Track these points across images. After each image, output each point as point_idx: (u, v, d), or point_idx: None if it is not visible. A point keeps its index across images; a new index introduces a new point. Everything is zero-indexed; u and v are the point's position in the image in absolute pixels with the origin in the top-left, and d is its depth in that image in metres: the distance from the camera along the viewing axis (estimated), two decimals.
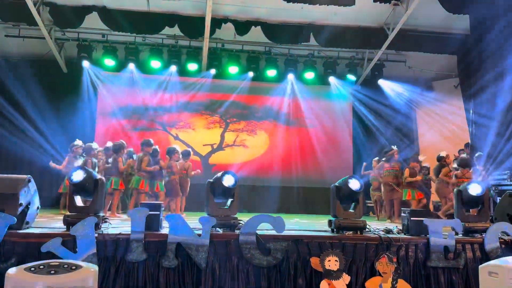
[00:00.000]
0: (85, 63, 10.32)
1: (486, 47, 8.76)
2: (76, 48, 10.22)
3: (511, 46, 8.11)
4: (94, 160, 7.46)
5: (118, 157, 7.34)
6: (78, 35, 10.09)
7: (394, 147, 8.53)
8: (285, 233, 4.04)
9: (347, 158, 11.50)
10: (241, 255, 3.89)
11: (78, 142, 7.71)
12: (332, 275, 3.95)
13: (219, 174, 4.38)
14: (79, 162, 7.30)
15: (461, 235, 4.47)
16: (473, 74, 9.27)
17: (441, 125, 11.22)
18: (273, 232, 4.02)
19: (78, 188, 4.13)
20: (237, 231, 4.07)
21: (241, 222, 4.18)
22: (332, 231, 4.43)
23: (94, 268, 2.74)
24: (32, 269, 2.57)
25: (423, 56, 10.43)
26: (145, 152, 7.48)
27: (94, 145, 7.82)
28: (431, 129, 11.58)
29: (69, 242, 3.68)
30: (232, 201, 4.39)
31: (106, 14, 9.04)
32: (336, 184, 4.53)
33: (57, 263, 2.66)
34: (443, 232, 4.18)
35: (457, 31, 9.57)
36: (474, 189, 4.62)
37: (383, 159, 8.41)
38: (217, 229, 4.13)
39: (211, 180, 4.44)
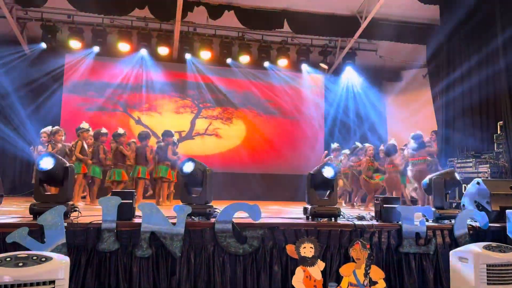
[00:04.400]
0: (43, 45, 9.84)
1: (454, 38, 8.98)
2: (40, 28, 9.73)
3: (479, 37, 8.35)
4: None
5: (145, 145, 7.45)
6: (42, 15, 9.60)
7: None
8: (261, 220, 4.01)
9: (319, 146, 11.55)
10: (217, 243, 3.84)
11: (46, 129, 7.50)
12: (307, 261, 3.97)
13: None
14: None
15: (431, 221, 4.60)
16: (441, 64, 9.50)
17: (409, 114, 11.48)
18: (249, 220, 3.99)
19: (47, 176, 3.94)
20: (212, 220, 4.01)
21: (216, 210, 4.12)
22: (307, 218, 4.44)
23: (65, 259, 2.62)
24: None
25: (393, 46, 10.58)
26: (167, 142, 7.54)
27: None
28: (399, 117, 11.83)
29: (36, 232, 3.51)
30: (204, 188, 4.31)
31: None
32: (311, 172, 4.54)
33: (26, 255, 2.53)
34: (414, 219, 4.28)
35: (427, 21, 9.76)
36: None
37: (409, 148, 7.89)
38: (193, 217, 4.06)
39: None
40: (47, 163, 3.87)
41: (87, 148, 7.30)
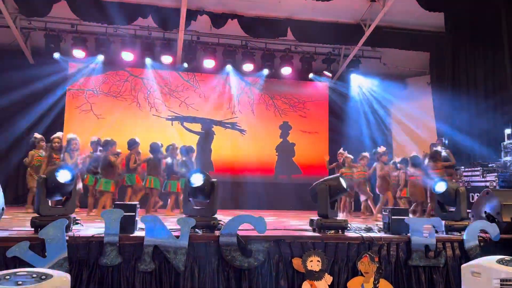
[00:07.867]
0: (56, 55, 9.84)
1: (459, 45, 8.91)
2: (44, 38, 9.73)
3: (484, 44, 8.29)
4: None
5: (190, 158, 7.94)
6: (46, 24, 9.61)
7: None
8: (267, 233, 3.92)
9: (322, 154, 11.40)
10: (221, 257, 3.76)
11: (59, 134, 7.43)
12: (314, 275, 3.87)
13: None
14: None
15: (440, 233, 4.49)
16: (444, 72, 9.43)
17: (413, 121, 11.37)
18: (255, 233, 3.90)
19: (57, 188, 3.87)
20: (217, 232, 3.93)
21: (221, 222, 4.04)
22: (314, 230, 4.35)
23: (66, 277, 2.54)
24: None
25: (397, 53, 10.51)
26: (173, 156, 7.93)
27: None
28: (403, 125, 11.72)
29: (38, 246, 3.45)
30: (211, 201, 4.23)
31: (76, 3, 8.60)
32: (325, 183, 4.39)
33: (25, 273, 2.44)
34: (424, 231, 4.18)
35: (431, 28, 9.71)
36: (439, 187, 4.66)
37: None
38: (196, 230, 3.97)
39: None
40: (65, 176, 3.82)
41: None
